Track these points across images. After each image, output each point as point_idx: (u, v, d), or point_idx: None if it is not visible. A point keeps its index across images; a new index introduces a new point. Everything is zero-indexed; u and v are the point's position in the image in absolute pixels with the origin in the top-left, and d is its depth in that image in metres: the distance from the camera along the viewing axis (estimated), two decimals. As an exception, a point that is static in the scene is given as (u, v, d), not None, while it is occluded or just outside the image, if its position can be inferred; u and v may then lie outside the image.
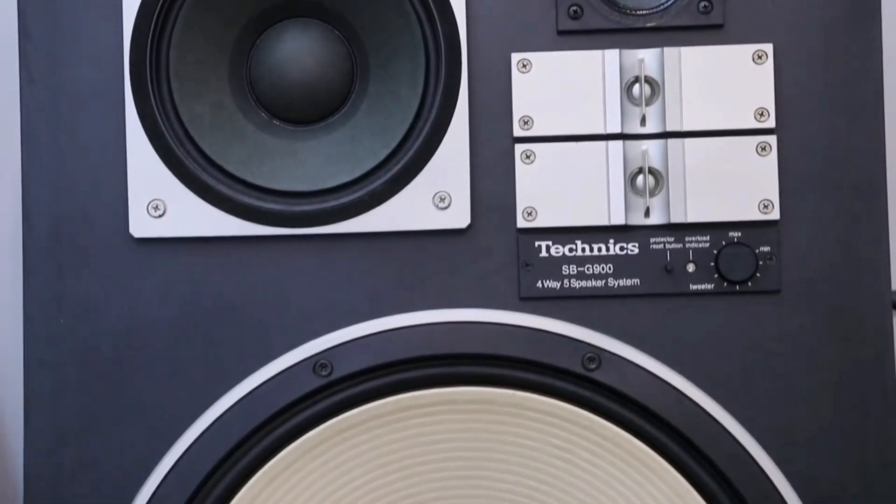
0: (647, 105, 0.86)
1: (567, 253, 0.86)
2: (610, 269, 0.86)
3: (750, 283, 0.85)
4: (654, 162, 0.86)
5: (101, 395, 0.86)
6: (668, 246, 0.86)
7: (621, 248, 0.86)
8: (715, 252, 0.85)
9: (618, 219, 0.85)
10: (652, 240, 0.86)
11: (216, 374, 0.86)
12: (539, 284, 0.86)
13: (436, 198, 0.86)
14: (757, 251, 0.85)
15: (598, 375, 0.85)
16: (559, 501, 0.86)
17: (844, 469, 0.85)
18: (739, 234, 0.85)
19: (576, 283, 0.86)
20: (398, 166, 0.86)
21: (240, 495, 0.85)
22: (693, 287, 0.86)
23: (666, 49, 0.85)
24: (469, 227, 0.86)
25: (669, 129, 0.85)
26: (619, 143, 0.85)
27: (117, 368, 0.86)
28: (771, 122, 0.85)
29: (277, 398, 0.85)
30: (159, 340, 0.86)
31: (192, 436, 0.85)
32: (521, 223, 0.86)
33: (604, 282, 0.86)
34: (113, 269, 0.86)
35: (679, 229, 0.86)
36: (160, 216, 0.86)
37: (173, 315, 0.86)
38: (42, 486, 0.86)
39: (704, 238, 0.85)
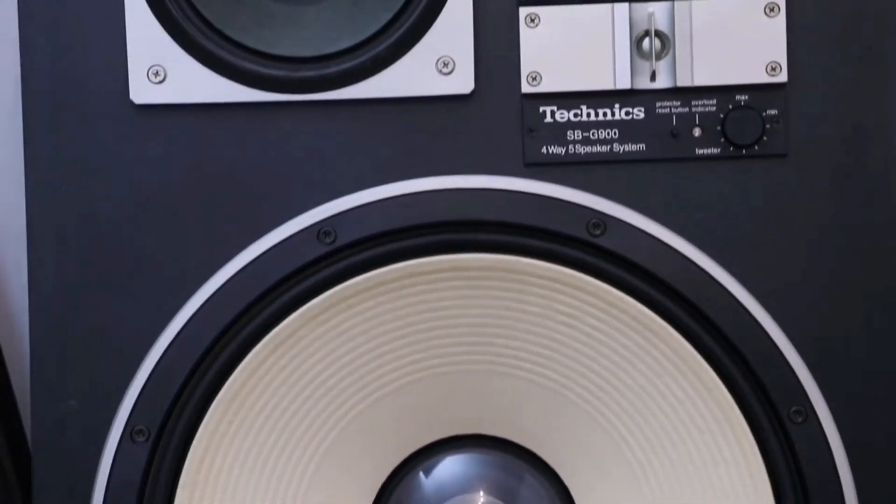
0: (653, -35, 0.84)
1: (572, 118, 0.85)
2: (615, 134, 0.85)
3: (756, 147, 0.84)
4: (661, 24, 0.84)
5: (104, 263, 0.86)
6: (673, 110, 0.85)
7: (627, 113, 0.85)
8: (721, 116, 0.84)
9: (623, 83, 0.84)
10: (658, 104, 0.85)
11: (219, 242, 0.86)
12: (543, 150, 0.85)
13: (439, 63, 0.85)
14: (764, 114, 0.84)
15: (603, 241, 0.84)
16: (563, 367, 0.86)
17: (850, 331, 0.84)
18: (746, 97, 0.84)
19: (581, 149, 0.85)
20: (401, 31, 0.84)
21: (244, 363, 0.85)
22: (699, 151, 0.85)
23: None
24: (473, 92, 0.85)
25: (676, -10, 0.84)
26: (625, 5, 0.84)
27: (119, 236, 0.86)
28: (779, -18, 0.84)
29: (281, 266, 0.85)
30: (161, 208, 0.86)
31: (195, 304, 0.85)
32: (526, 88, 0.85)
33: (609, 147, 0.85)
34: (114, 136, 0.86)
35: (685, 93, 0.85)
36: (160, 82, 0.85)
37: (175, 182, 0.86)
38: (48, 354, 0.86)
39: (711, 101, 0.85)
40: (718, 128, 0.84)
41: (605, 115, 0.85)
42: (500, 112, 0.85)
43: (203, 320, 0.85)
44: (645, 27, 0.84)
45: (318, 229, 0.85)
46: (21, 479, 0.88)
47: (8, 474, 0.85)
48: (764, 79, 0.84)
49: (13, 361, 0.94)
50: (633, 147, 0.85)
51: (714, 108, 0.84)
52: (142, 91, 0.85)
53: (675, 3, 0.84)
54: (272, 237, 0.85)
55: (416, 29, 0.84)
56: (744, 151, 0.84)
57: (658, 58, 0.84)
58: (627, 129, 0.85)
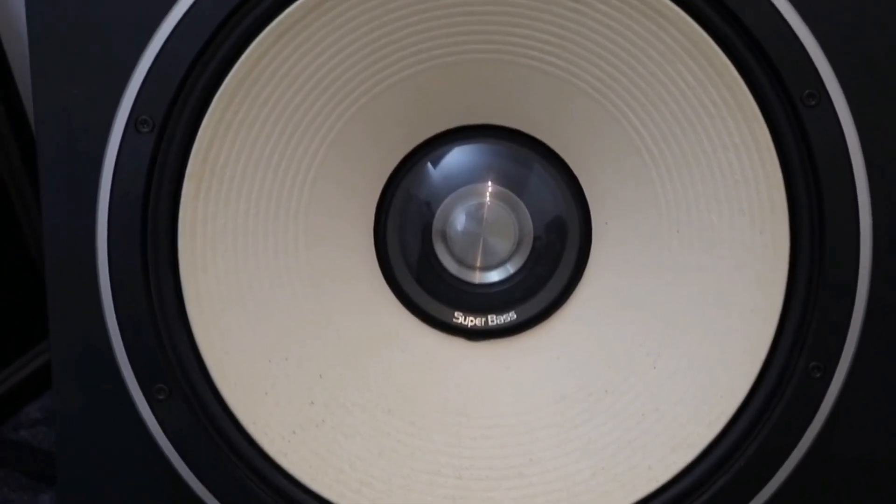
0: None
1: None
2: None
3: None
4: None
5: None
6: None
7: None
8: None
9: None
10: None
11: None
12: None
13: None
14: None
15: (613, -78, 0.81)
16: (573, 55, 0.84)
17: (864, 8, 0.82)
18: None
19: None
20: None
21: (247, 53, 0.82)
22: None
23: None
24: None
25: None
26: None
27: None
28: None
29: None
30: None
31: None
32: None
33: None
34: None
35: None
36: None
37: None
38: (49, 42, 0.83)
39: None
40: None
41: None
42: None
43: (205, 8, 0.82)
44: None
45: None
46: (27, 166, 0.87)
47: (13, 158, 0.85)
48: None
49: (13, 48, 0.91)
50: None
51: None
52: None
53: None
54: None
55: None
56: None
57: None
58: None
